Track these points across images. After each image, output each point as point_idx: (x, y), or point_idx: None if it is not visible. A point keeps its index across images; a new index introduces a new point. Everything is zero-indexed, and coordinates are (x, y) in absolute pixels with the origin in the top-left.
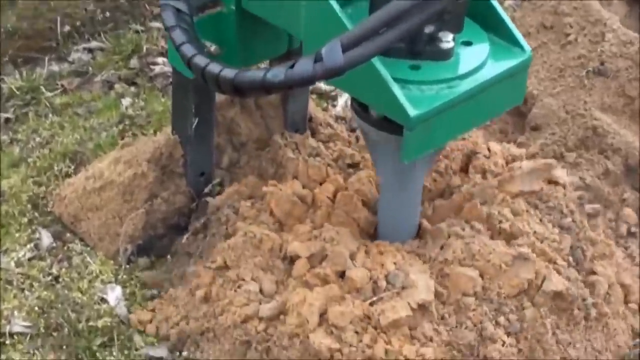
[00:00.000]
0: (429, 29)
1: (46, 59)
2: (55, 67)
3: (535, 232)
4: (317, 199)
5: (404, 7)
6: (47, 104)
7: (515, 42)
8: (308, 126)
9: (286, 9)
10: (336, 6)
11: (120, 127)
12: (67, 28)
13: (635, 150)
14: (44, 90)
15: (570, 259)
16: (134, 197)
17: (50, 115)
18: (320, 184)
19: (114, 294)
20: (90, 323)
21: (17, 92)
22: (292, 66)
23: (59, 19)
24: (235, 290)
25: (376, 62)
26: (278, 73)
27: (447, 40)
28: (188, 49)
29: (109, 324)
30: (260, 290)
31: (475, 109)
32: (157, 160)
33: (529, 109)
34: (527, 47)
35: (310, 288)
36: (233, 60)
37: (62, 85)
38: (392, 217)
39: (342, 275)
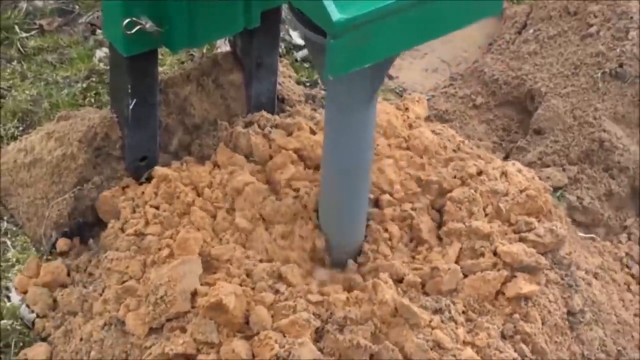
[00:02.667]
0: None
1: None
2: (39, 2)
3: None
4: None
5: None
6: (19, 47)
7: None
8: (278, 108)
9: None
10: None
11: (86, 84)
12: None
13: None
14: (18, 30)
15: None
16: (62, 179)
17: (16, 61)
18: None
19: None
20: None
21: None
22: None
23: None
24: None
25: None
26: None
27: None
28: None
29: (8, 327)
30: None
31: (430, 18)
32: (90, 141)
33: (535, 108)
34: None
35: None
36: (176, 40)
37: (40, 25)
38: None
39: None
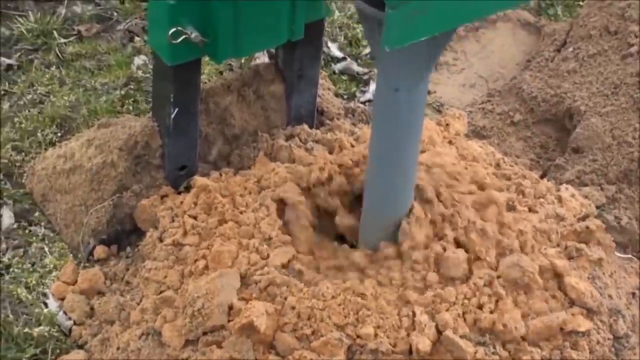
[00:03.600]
0: None
1: None
2: (77, 8)
3: None
4: None
5: None
6: (57, 52)
7: None
8: (317, 120)
9: None
10: None
11: (124, 91)
12: None
13: None
14: (56, 35)
15: None
16: (101, 186)
17: (54, 66)
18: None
19: None
20: (26, 329)
21: (28, 35)
22: None
23: None
24: None
25: None
26: None
27: None
28: None
29: (45, 333)
30: None
31: None
32: (131, 149)
33: (574, 126)
34: None
35: None
36: (220, 50)
37: (79, 32)
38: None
39: None
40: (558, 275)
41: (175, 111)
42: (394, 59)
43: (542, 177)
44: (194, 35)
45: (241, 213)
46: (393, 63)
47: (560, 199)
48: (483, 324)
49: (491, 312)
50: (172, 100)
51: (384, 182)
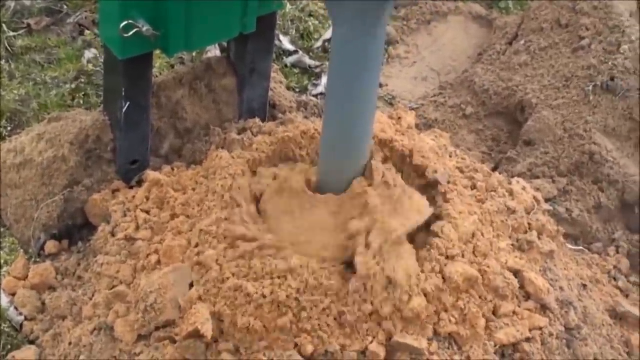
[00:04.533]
0: None
1: None
2: (27, 1)
3: None
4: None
5: None
6: (6, 45)
7: None
8: (269, 113)
9: None
10: None
11: (74, 84)
12: None
13: (634, 185)
14: (5, 28)
15: None
16: (52, 181)
17: (4, 60)
18: None
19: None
20: None
21: None
22: None
23: None
24: None
25: None
26: None
27: None
28: None
29: None
30: None
31: None
32: (82, 143)
33: (526, 119)
34: None
35: None
36: (172, 44)
37: (28, 25)
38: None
39: None
40: (515, 271)
41: (127, 105)
42: (349, 3)
43: (493, 169)
44: (145, 28)
45: (191, 207)
46: (349, 6)
47: (511, 192)
48: (442, 331)
49: (454, 323)
50: (123, 93)
51: (341, 132)
